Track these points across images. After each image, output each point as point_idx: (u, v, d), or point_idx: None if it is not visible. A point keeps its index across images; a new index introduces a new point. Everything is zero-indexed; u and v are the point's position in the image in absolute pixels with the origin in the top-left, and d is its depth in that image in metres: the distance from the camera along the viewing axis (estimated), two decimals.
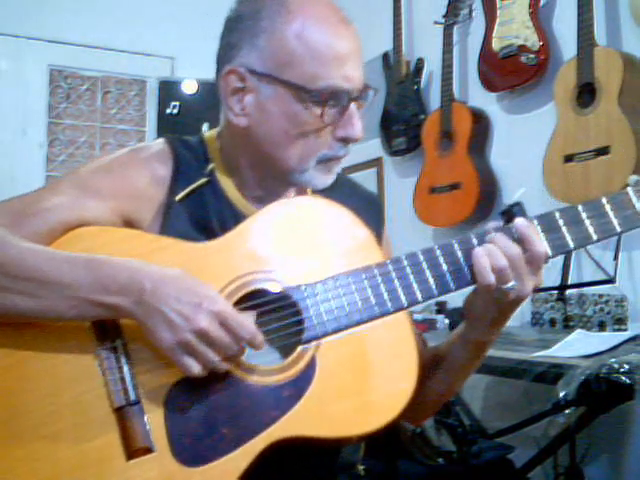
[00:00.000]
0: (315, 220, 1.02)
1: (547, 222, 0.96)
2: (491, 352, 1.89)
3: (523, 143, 2.66)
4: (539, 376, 1.61)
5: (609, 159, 2.18)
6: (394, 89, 3.15)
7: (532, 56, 2.49)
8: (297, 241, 0.99)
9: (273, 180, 1.07)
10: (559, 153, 2.32)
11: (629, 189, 0.97)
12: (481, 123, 2.77)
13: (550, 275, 2.43)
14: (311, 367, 0.93)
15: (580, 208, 0.96)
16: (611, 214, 0.96)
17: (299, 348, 0.94)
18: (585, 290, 2.30)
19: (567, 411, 1.53)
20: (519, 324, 2.58)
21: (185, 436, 0.91)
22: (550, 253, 0.96)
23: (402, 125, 3.09)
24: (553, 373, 1.56)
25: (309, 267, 0.97)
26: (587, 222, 0.96)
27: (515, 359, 1.72)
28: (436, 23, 2.85)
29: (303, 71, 0.98)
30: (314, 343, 0.94)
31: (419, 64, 3.07)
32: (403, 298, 0.95)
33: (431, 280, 0.95)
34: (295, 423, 0.91)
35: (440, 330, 2.48)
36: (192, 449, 0.90)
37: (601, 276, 2.24)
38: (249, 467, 0.90)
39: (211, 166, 1.07)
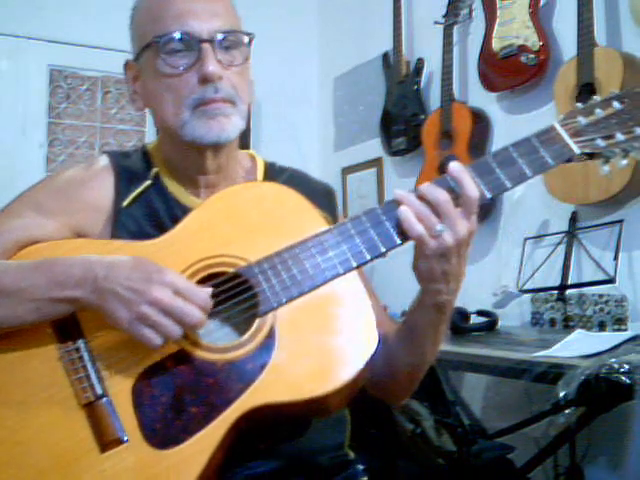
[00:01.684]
0: (261, 202, 1.06)
1: (481, 167, 0.99)
2: (491, 352, 1.91)
3: None
4: (539, 376, 1.61)
5: None
6: (394, 89, 3.15)
7: (532, 56, 2.49)
8: (244, 224, 1.03)
9: (184, 154, 1.12)
10: None
11: (555, 124, 1.01)
12: (481, 123, 2.77)
13: (550, 275, 2.43)
14: (271, 337, 0.95)
15: (511, 149, 1.00)
16: (542, 150, 0.99)
17: (257, 321, 0.96)
18: (585, 290, 2.30)
19: (567, 411, 1.53)
20: (519, 324, 2.58)
21: (156, 421, 0.93)
22: (488, 195, 0.98)
23: (402, 125, 3.09)
24: (553, 373, 1.56)
25: (259, 247, 1.00)
26: (520, 161, 0.99)
27: (515, 359, 1.72)
28: (436, 23, 2.85)
29: (148, 30, 1.08)
30: (271, 314, 0.96)
31: (419, 64, 3.07)
32: (352, 259, 0.98)
33: (376, 238, 0.98)
34: (261, 392, 0.93)
35: None
36: (164, 433, 0.92)
37: (601, 276, 2.24)
38: (223, 442, 0.91)
39: (155, 170, 1.14)
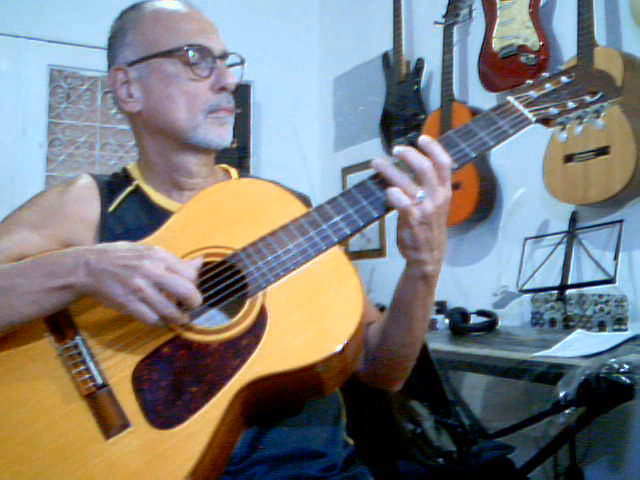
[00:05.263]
0: (241, 195, 1.12)
1: (445, 140, 1.04)
2: (491, 352, 1.90)
3: (523, 143, 2.66)
4: (539, 376, 1.61)
5: (609, 159, 2.18)
6: (394, 89, 3.15)
7: (532, 56, 2.49)
8: (227, 217, 1.08)
9: (177, 157, 1.19)
10: (559, 153, 2.32)
11: (509, 98, 1.09)
12: None
13: (550, 275, 2.43)
14: (263, 314, 0.99)
15: (471, 124, 1.06)
16: (500, 121, 1.07)
17: (248, 301, 1.00)
18: (585, 290, 2.30)
19: (567, 411, 1.53)
20: (519, 324, 2.58)
21: (157, 404, 0.95)
22: (455, 165, 1.03)
23: (402, 125, 3.09)
24: (553, 373, 1.56)
25: (243, 236, 1.03)
26: (481, 133, 1.06)
27: (515, 359, 1.72)
28: (436, 23, 2.85)
29: (165, 39, 1.16)
30: (260, 294, 1.00)
31: (419, 64, 3.07)
32: (333, 236, 1.02)
33: (354, 215, 1.03)
34: (258, 364, 0.95)
35: (440, 330, 2.48)
36: (166, 413, 0.94)
37: (601, 276, 2.24)
38: (225, 417, 0.93)
39: (135, 182, 1.22)
